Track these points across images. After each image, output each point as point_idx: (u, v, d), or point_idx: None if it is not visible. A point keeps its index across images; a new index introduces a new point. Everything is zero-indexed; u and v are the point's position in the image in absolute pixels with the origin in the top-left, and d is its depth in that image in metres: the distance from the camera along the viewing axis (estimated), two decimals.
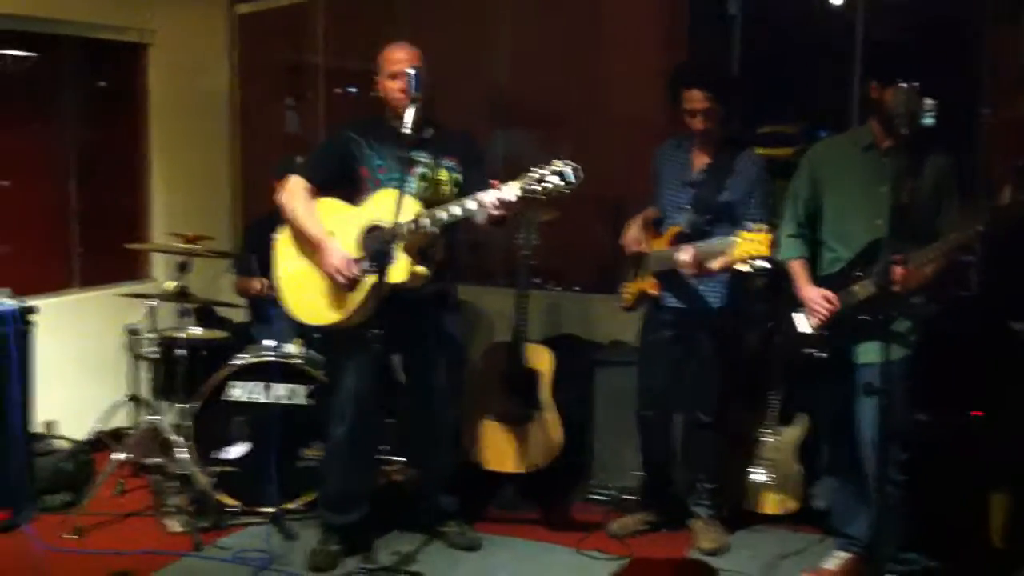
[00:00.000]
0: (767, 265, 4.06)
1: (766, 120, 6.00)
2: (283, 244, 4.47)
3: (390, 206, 4.12)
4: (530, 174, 3.89)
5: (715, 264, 4.34)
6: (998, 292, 5.10)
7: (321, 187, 4.39)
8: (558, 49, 6.23)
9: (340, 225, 4.30)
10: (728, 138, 4.59)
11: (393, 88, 4.31)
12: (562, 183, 3.84)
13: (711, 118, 4.45)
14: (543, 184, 3.86)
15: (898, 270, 3.75)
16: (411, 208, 4.11)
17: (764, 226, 4.06)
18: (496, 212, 3.96)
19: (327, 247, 4.25)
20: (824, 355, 4.13)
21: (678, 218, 4.56)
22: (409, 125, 4.05)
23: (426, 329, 4.48)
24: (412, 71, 4.11)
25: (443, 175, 4.38)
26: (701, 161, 4.58)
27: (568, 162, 3.85)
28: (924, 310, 4.03)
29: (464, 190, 4.29)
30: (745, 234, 4.05)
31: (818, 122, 5.81)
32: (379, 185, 4.31)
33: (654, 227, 4.69)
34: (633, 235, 4.66)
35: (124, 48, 6.30)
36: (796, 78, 5.98)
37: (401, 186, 4.14)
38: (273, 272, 4.51)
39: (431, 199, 4.25)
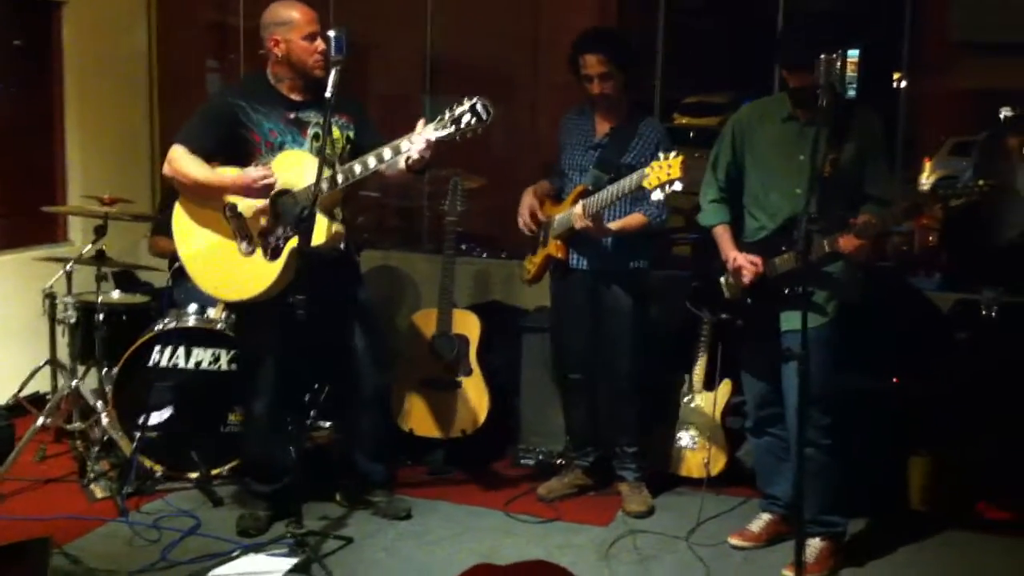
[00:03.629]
0: (678, 187, 4.08)
1: (692, 90, 6.06)
2: (180, 222, 4.30)
3: (295, 168, 4.08)
4: (443, 116, 3.91)
5: (614, 224, 4.47)
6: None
7: (204, 157, 4.20)
8: (487, 15, 6.21)
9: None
10: (630, 106, 4.64)
11: (311, 50, 4.18)
12: (475, 120, 3.88)
13: (607, 83, 4.48)
14: (458, 125, 3.89)
15: (848, 240, 3.83)
16: (315, 168, 4.04)
17: (673, 152, 4.10)
18: (416, 157, 3.96)
19: (233, 178, 4.13)
20: (741, 322, 4.21)
21: (580, 179, 4.60)
22: (331, 89, 3.96)
23: (333, 292, 4.32)
24: (334, 34, 3.99)
25: (336, 133, 4.28)
26: (604, 127, 4.63)
27: (477, 98, 3.88)
28: (844, 280, 4.08)
29: (360, 145, 4.22)
30: (655, 163, 4.11)
31: (744, 92, 5.87)
32: (272, 149, 4.21)
33: (552, 198, 4.75)
34: (527, 206, 4.72)
35: (38, 5, 6.11)
36: (723, 48, 6.03)
37: (300, 148, 4.13)
38: (177, 252, 4.36)
39: (327, 158, 4.14)
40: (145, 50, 6.81)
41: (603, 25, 5.83)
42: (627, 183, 4.28)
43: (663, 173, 4.07)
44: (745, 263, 4.11)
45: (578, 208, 4.40)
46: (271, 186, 4.12)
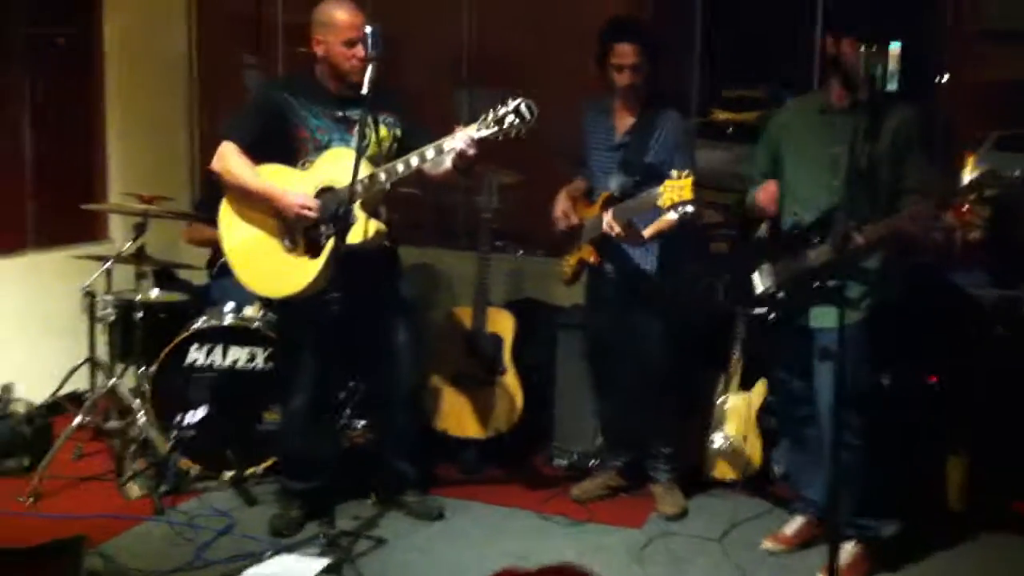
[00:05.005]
0: (690, 209, 4.05)
1: (731, 83, 5.98)
2: (225, 215, 4.33)
3: (341, 166, 4.07)
4: (487, 116, 3.91)
5: (647, 231, 4.42)
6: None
7: (252, 151, 4.23)
8: (523, 6, 6.16)
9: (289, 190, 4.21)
10: (649, 98, 4.57)
11: (349, 55, 4.16)
12: (519, 121, 3.88)
13: (638, 74, 4.44)
14: (502, 125, 3.89)
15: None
16: (362, 167, 4.04)
17: (685, 171, 4.07)
18: (464, 155, 3.95)
19: (280, 192, 4.16)
20: (774, 317, 4.15)
21: (607, 183, 4.56)
22: (367, 86, 3.97)
23: (378, 290, 4.40)
24: (370, 29, 4.01)
25: (383, 132, 4.29)
26: (625, 123, 4.59)
27: (520, 98, 3.88)
28: (882, 276, 4.02)
29: (407, 143, 4.24)
30: (669, 182, 4.07)
31: (782, 85, 5.79)
32: (320, 147, 4.23)
33: (586, 197, 4.71)
34: (561, 209, 4.68)
35: (80, 2, 6.17)
36: (761, 40, 5.94)
37: (347, 146, 4.13)
38: (221, 246, 4.39)
39: (372, 156, 4.19)
40: (185, 46, 6.85)
41: (635, 14, 5.77)
42: (646, 200, 4.23)
43: (675, 194, 4.04)
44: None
45: (608, 220, 4.36)
46: (306, 217, 4.14)
